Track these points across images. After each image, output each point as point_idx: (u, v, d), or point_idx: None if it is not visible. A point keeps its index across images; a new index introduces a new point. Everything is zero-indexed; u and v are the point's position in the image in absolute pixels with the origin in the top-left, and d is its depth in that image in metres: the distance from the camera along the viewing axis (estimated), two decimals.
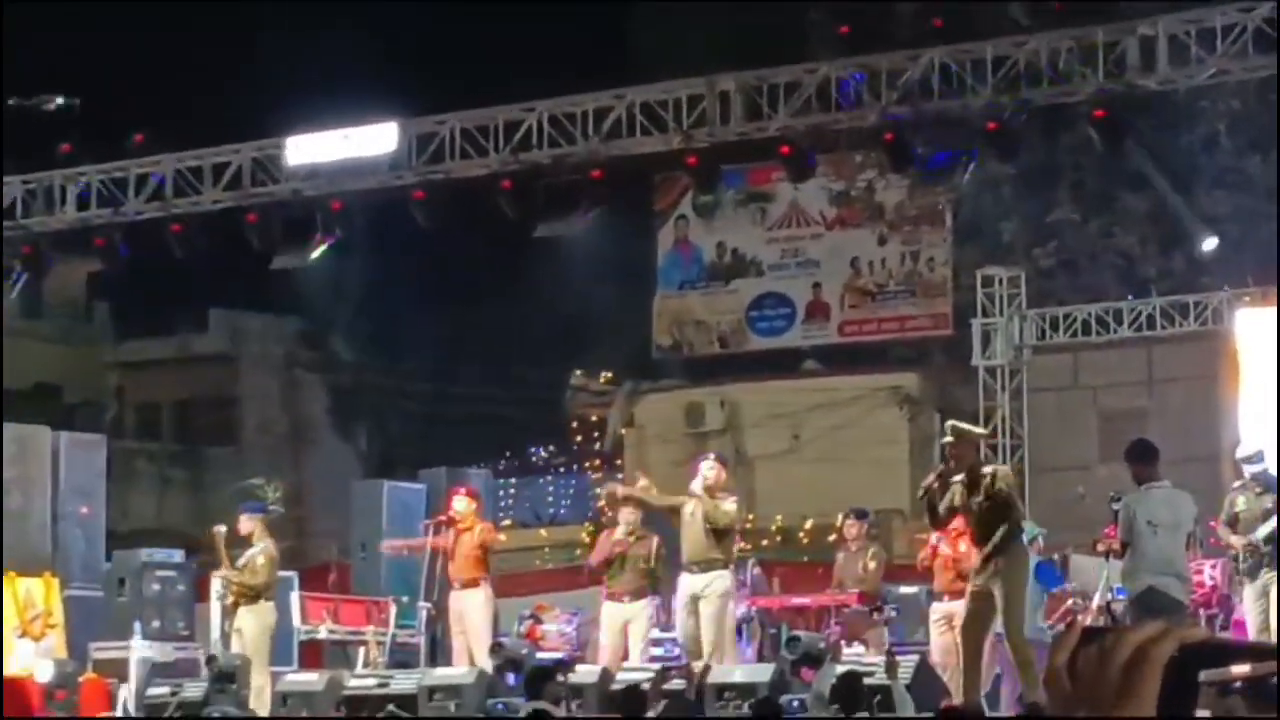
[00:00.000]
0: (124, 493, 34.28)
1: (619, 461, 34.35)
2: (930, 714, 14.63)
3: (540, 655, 18.25)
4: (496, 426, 37.96)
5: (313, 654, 21.36)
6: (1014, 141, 20.26)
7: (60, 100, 23.85)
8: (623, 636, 17.71)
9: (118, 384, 43.44)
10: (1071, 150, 28.48)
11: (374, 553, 22.18)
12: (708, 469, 17.72)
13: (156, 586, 21.27)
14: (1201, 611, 17.49)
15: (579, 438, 37.18)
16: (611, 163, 21.11)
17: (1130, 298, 27.91)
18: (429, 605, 19.58)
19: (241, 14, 37.60)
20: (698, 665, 16.76)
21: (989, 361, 27.81)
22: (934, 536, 16.80)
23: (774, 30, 29.56)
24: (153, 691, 19.15)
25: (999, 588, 14.45)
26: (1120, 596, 16.16)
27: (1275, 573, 16.24)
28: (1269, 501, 16.44)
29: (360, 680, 18.65)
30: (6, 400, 26.87)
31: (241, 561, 18.66)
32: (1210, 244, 26.53)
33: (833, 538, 22.12)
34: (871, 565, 18.69)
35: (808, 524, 30.78)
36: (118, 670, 20.03)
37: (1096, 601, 17.37)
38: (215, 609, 19.81)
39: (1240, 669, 2.11)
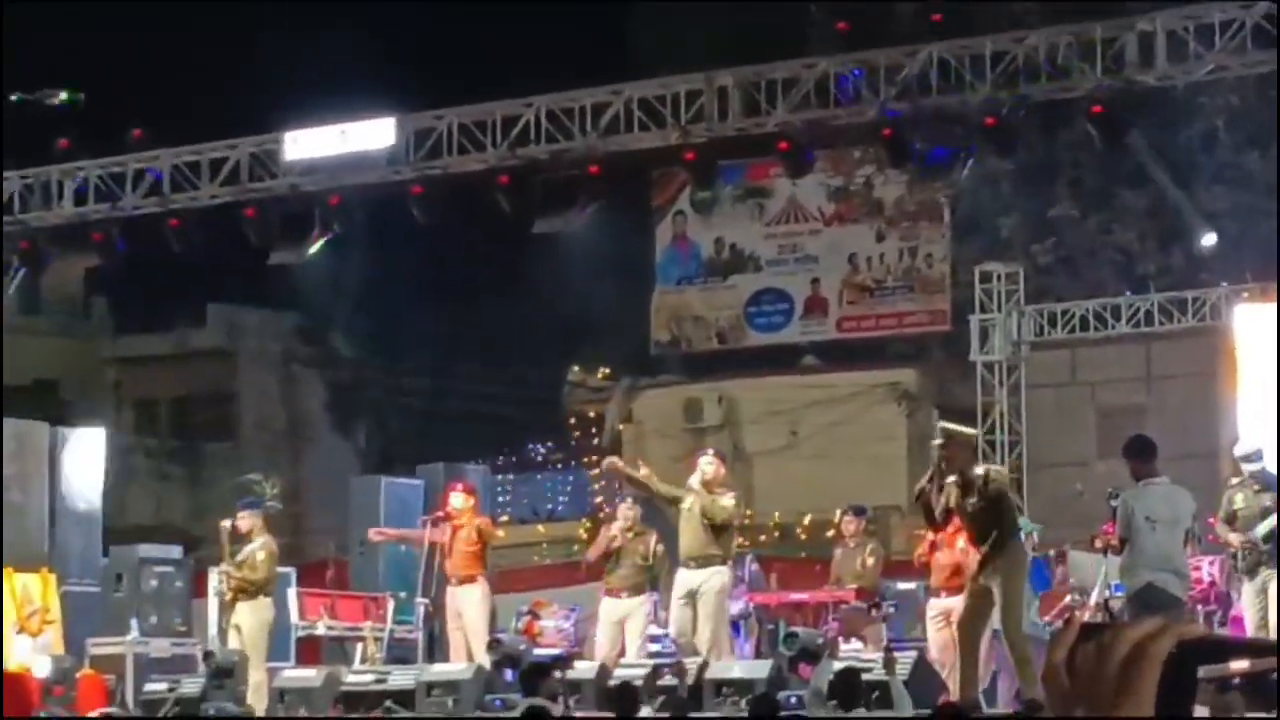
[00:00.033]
0: (121, 488, 34.20)
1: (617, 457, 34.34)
2: (928, 710, 14.60)
3: (538, 651, 18.24)
4: (494, 422, 37.95)
5: (310, 650, 21.36)
6: (1012, 137, 20.25)
7: (65, 94, 23.80)
8: (620, 632, 17.71)
9: (115, 379, 43.41)
10: (1070, 146, 28.49)
11: (372, 549, 22.17)
12: (706, 464, 17.72)
13: (154, 582, 21.27)
14: (1200, 608, 17.49)
15: (577, 434, 37.15)
16: (610, 158, 21.10)
17: (1129, 294, 27.89)
18: (426, 601, 19.56)
19: (240, 10, 37.61)
20: (689, 661, 16.75)
21: (987, 357, 27.79)
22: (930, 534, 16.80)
23: (772, 26, 29.55)
24: (150, 687, 19.14)
25: (998, 585, 14.45)
26: (1118, 593, 16.14)
27: (1274, 570, 16.23)
28: (1267, 499, 16.43)
29: (358, 676, 18.64)
30: (5, 396, 26.85)
31: (241, 556, 18.65)
32: (1209, 240, 26.52)
33: (831, 534, 22.13)
34: (869, 561, 18.69)
35: (806, 520, 30.80)
36: (115, 666, 20.03)
37: (1095, 598, 17.36)
38: (213, 604, 19.81)
39: (1238, 665, 2.10)
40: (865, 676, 15.05)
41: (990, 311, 27.77)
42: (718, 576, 17.22)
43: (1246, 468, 16.96)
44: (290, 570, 21.57)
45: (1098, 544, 17.45)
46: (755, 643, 19.12)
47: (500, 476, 35.13)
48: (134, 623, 20.26)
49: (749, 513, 28.04)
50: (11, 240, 23.56)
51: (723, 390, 33.99)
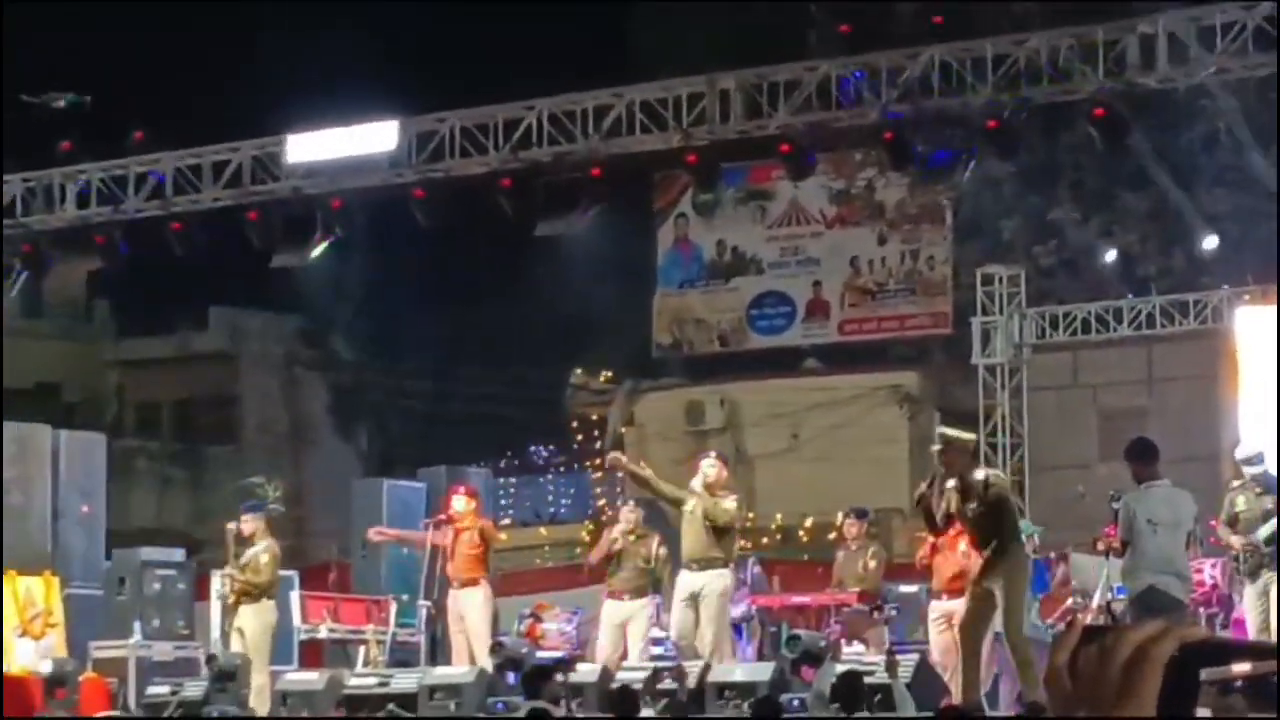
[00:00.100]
0: (124, 492, 34.25)
1: None
2: (930, 713, 14.62)
3: (540, 654, 18.25)
4: (496, 425, 37.94)
5: (313, 653, 21.36)
6: (1014, 140, 20.25)
7: (69, 97, 23.82)
8: (622, 635, 17.71)
9: (118, 382, 43.44)
10: (1071, 149, 28.47)
11: (374, 552, 22.17)
12: (708, 467, 17.71)
13: (156, 585, 21.26)
14: (1201, 610, 17.48)
15: (579, 436, 37.17)
16: (611, 161, 21.10)
17: (1130, 296, 27.90)
18: (429, 604, 19.56)
19: (241, 12, 37.63)
20: (691, 664, 16.75)
21: (989, 360, 27.79)
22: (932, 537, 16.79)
23: (774, 28, 29.57)
24: (152, 690, 19.15)
25: (1000, 587, 14.45)
26: (1120, 595, 16.15)
27: (1276, 573, 16.23)
28: (1269, 502, 16.42)
29: (360, 679, 18.63)
30: (6, 399, 26.85)
31: (244, 560, 18.65)
32: (1210, 242, 26.54)
33: (833, 536, 22.14)
34: (871, 564, 18.69)
35: (808, 523, 30.81)
36: (118, 669, 20.02)
37: (1097, 600, 17.36)
38: (215, 608, 19.81)
39: (1240, 668, 2.11)
40: (867, 679, 15.05)
41: (992, 314, 27.77)
42: (720, 579, 17.21)
43: (1248, 470, 16.96)
44: (293, 573, 21.57)
45: (1099, 546, 17.46)
46: (757, 645, 19.12)
47: (502, 479, 35.15)
48: (136, 626, 20.25)
49: (751, 515, 28.04)
50: (13, 243, 23.57)
51: (724, 393, 34.00)
